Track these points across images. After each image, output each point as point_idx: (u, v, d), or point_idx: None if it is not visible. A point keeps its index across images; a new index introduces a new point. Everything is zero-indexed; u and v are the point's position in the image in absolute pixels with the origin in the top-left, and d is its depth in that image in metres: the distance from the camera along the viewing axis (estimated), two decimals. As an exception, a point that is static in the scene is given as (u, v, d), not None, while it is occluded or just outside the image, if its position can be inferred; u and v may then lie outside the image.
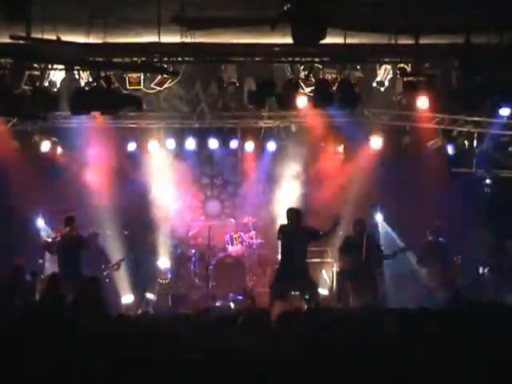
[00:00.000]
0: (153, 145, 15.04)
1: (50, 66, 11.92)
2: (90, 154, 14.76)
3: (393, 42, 10.81)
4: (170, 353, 5.58)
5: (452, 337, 5.69)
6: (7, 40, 10.24)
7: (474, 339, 5.59)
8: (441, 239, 13.43)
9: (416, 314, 6.73)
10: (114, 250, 14.24)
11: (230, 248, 14.97)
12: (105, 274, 13.38)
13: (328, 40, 8.83)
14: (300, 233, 12.05)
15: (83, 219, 13.64)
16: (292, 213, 12.18)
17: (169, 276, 14.80)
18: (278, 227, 12.32)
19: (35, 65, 11.83)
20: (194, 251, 14.94)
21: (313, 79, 12.29)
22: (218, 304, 13.91)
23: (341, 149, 15.37)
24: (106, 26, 10.08)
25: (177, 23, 9.71)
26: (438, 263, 13.25)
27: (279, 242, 12.26)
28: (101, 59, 11.54)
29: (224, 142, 15.19)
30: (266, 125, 15.09)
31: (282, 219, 12.65)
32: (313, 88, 12.29)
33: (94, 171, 14.66)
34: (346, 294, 12.69)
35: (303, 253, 12.11)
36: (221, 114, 14.79)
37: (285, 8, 8.65)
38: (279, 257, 12.58)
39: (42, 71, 11.94)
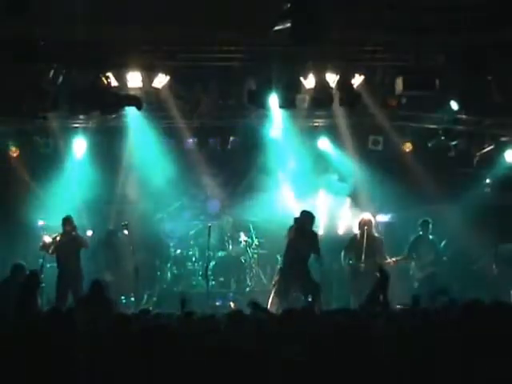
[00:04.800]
0: (152, 144, 15.00)
1: (50, 66, 11.91)
2: (90, 154, 14.73)
3: (393, 41, 10.83)
4: (170, 353, 5.58)
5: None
6: (7, 39, 10.26)
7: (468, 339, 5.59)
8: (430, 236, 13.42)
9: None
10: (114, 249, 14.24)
11: (229, 248, 14.96)
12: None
13: (328, 40, 8.84)
14: (307, 235, 12.05)
15: (83, 219, 13.63)
16: (304, 215, 12.15)
17: (169, 275, 14.79)
18: (288, 227, 12.25)
19: (35, 65, 11.82)
20: (193, 251, 14.92)
21: (313, 79, 12.30)
22: (217, 304, 13.89)
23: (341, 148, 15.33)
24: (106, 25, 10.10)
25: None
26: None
27: (285, 242, 12.23)
28: (101, 59, 11.53)
29: (224, 142, 15.16)
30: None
31: (281, 219, 12.63)
32: (313, 88, 12.31)
33: (94, 171, 14.63)
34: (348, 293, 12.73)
35: (307, 254, 12.10)
36: (221, 113, 14.77)
37: (285, 8, 8.66)
38: (279, 257, 12.57)
39: (42, 71, 11.93)
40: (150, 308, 13.43)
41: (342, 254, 12.96)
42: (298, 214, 12.35)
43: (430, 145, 14.74)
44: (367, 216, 12.98)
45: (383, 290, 7.69)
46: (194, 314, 7.32)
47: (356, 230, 13.02)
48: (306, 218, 12.13)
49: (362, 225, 12.79)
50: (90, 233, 14.32)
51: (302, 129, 14.81)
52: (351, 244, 12.89)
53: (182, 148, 15.05)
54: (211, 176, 15.48)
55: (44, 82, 11.98)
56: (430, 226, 13.30)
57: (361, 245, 12.54)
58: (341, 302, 12.43)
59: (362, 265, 12.50)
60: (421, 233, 13.35)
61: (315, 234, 12.24)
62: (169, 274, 14.81)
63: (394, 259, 12.91)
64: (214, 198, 15.64)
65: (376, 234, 12.91)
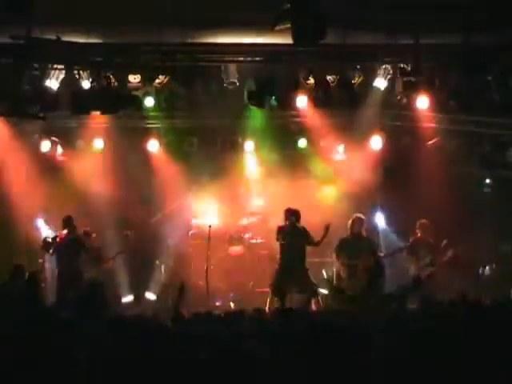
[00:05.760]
0: (153, 144, 15.04)
1: (50, 66, 11.91)
2: (90, 154, 14.74)
3: (393, 41, 10.83)
4: (170, 353, 5.58)
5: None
6: (7, 40, 10.27)
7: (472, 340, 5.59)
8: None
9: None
10: (114, 249, 14.23)
11: (230, 248, 14.96)
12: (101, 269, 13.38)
13: (328, 40, 8.83)
14: (298, 233, 12.08)
15: (83, 219, 13.63)
16: (290, 213, 12.20)
17: (169, 275, 14.78)
18: (276, 228, 12.32)
19: (35, 65, 11.82)
20: (193, 251, 14.91)
21: (313, 79, 12.30)
22: (217, 304, 13.90)
23: (341, 148, 15.34)
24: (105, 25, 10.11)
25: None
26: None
27: (278, 243, 12.27)
28: (101, 59, 11.53)
29: (224, 142, 15.18)
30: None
31: (281, 219, 12.63)
32: (313, 88, 12.31)
33: (94, 171, 14.64)
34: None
35: (302, 253, 12.13)
36: (220, 113, 14.78)
37: (285, 8, 8.66)
38: (278, 257, 12.57)
39: (42, 71, 11.94)
40: (150, 308, 13.48)
41: (335, 254, 12.94)
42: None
43: (429, 145, 14.75)
44: (361, 215, 12.98)
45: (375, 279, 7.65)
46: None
47: (348, 229, 12.97)
48: (293, 215, 12.18)
49: (357, 224, 12.77)
50: (94, 235, 14.19)
51: (302, 128, 14.83)
52: (344, 244, 12.84)
53: (181, 148, 15.09)
54: (212, 176, 15.48)
55: (44, 82, 11.98)
56: (429, 227, 13.28)
57: (356, 244, 12.52)
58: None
59: (360, 263, 12.48)
60: (419, 234, 13.34)
61: (305, 229, 12.25)
62: (169, 274, 14.81)
63: (383, 253, 12.94)
64: (214, 198, 15.64)
65: (364, 234, 12.92)
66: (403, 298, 7.99)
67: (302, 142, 15.01)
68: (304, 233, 12.15)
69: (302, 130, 14.91)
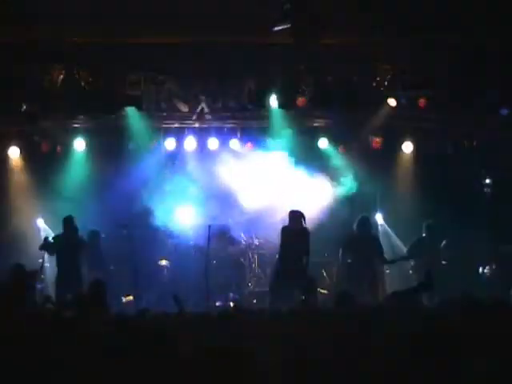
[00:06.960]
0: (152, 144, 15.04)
1: (49, 66, 11.94)
2: (90, 154, 14.74)
3: (393, 42, 10.85)
4: (170, 352, 5.58)
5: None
6: (7, 40, 10.28)
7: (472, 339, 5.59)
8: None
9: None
10: (114, 249, 14.23)
11: (229, 248, 14.95)
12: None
13: (328, 40, 8.85)
14: (301, 234, 12.09)
15: (83, 219, 13.62)
16: (294, 214, 12.22)
17: (168, 276, 14.78)
18: (280, 229, 12.32)
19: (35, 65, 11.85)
20: (193, 251, 14.91)
21: (313, 79, 12.32)
22: (217, 304, 13.89)
23: (341, 148, 15.33)
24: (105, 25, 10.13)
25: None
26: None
27: (280, 243, 12.28)
28: (100, 59, 11.55)
29: (224, 142, 15.18)
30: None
31: (282, 219, 12.64)
32: (313, 88, 12.32)
33: (94, 170, 14.64)
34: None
35: (303, 253, 12.14)
36: (221, 114, 14.78)
37: (285, 8, 8.68)
38: (277, 257, 12.58)
39: (42, 71, 11.95)
40: (150, 308, 13.46)
41: (341, 252, 12.95)
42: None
43: (430, 145, 14.76)
44: (366, 215, 13.00)
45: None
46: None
47: (354, 229, 12.99)
48: (297, 216, 12.20)
49: (362, 223, 12.78)
50: (103, 235, 14.16)
51: (302, 129, 14.83)
52: (349, 242, 12.86)
53: (181, 148, 15.09)
54: (211, 176, 15.49)
55: (44, 82, 12.00)
56: (435, 229, 13.29)
57: (361, 243, 12.54)
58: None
59: (362, 263, 12.49)
60: (424, 235, 13.34)
61: (307, 232, 12.28)
62: (169, 274, 14.81)
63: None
64: (213, 198, 15.64)
65: (370, 232, 12.93)
66: (416, 294, 8.04)
67: (303, 142, 15.02)
68: (305, 235, 12.16)
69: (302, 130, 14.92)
